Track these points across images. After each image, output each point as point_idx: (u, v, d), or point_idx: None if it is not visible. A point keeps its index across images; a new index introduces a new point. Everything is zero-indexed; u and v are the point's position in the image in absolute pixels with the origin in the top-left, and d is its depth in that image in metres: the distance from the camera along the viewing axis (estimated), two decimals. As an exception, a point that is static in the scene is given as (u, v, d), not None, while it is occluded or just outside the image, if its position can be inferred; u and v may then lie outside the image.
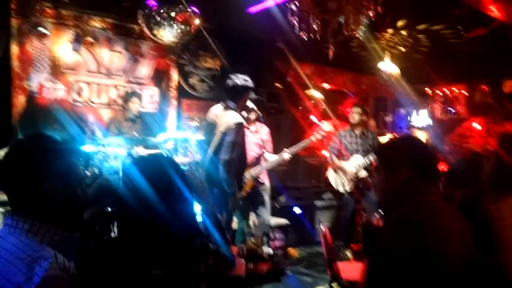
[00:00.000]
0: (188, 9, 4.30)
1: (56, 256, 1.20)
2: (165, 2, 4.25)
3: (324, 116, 9.30)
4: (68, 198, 1.31)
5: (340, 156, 5.48)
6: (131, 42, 5.65)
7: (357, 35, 3.27)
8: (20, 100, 4.91)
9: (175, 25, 4.29)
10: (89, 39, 5.26)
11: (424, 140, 9.11)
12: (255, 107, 4.16)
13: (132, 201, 1.43)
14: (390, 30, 6.10)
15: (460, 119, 8.79)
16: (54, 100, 5.16)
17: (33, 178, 1.26)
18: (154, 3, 4.21)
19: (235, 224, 4.35)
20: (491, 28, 4.96)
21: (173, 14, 4.26)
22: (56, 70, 5.19)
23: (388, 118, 9.88)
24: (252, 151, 4.35)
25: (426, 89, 8.77)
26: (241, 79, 3.61)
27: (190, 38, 5.83)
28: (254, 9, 4.91)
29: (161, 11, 4.20)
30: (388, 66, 6.50)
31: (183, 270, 1.37)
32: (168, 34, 4.34)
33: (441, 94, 8.81)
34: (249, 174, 4.26)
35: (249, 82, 3.65)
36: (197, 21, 4.38)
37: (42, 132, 1.54)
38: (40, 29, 4.88)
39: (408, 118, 9.37)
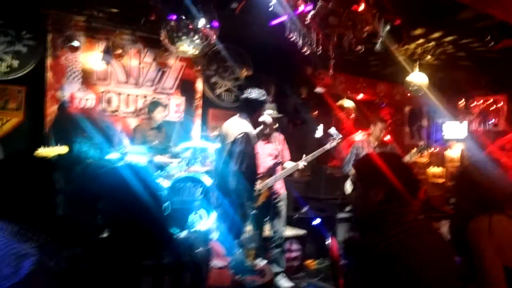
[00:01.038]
0: (208, 24, 4.41)
1: (41, 255, 1.37)
2: (186, 16, 4.38)
3: (357, 126, 9.24)
4: (53, 210, 1.53)
5: None
6: (159, 53, 5.85)
7: (361, 50, 3.23)
8: (52, 109, 5.21)
9: (195, 38, 4.41)
10: (119, 51, 5.51)
11: (460, 152, 8.84)
12: (268, 122, 4.14)
13: (137, 200, 1.53)
14: (420, 41, 5.98)
15: (499, 131, 8.41)
16: (84, 109, 5.44)
17: (29, 193, 1.47)
18: (175, 18, 4.35)
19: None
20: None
21: (193, 28, 4.38)
22: (87, 81, 5.48)
23: (423, 129, 9.63)
24: (265, 162, 4.39)
25: (462, 100, 8.45)
26: (255, 93, 3.69)
27: (215, 50, 6.04)
28: (275, 22, 4.96)
29: (182, 25, 4.33)
30: (417, 77, 6.35)
31: (170, 259, 1.48)
32: (189, 47, 4.47)
33: (479, 105, 8.47)
34: (264, 184, 4.31)
35: (263, 96, 3.70)
36: (216, 34, 4.47)
37: (29, 149, 1.74)
38: (73, 43, 5.16)
39: (444, 129, 9.07)
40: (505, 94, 8.08)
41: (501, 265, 1.87)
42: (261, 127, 4.14)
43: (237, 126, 3.62)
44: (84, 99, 5.46)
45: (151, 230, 1.52)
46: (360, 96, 8.54)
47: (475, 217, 1.99)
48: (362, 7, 2.71)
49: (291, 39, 3.15)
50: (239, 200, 3.54)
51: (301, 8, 2.94)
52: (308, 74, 7.23)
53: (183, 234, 2.54)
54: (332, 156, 6.88)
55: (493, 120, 8.39)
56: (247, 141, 3.50)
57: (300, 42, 3.08)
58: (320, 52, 3.13)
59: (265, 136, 4.39)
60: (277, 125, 4.53)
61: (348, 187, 5.48)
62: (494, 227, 1.92)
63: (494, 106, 8.20)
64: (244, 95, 3.73)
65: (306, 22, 2.93)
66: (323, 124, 7.45)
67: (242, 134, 3.51)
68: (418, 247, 1.60)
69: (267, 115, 4.15)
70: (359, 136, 9.91)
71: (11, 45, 5.02)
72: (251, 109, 3.68)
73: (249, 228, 4.34)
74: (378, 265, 1.57)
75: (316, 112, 7.90)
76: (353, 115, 8.52)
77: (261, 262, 2.59)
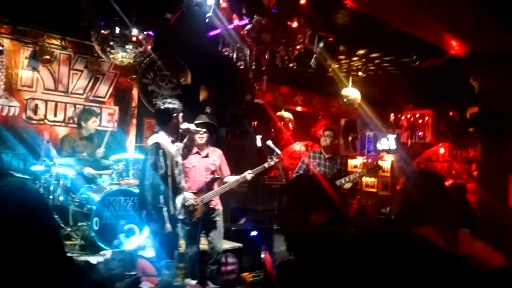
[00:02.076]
0: (142, 32, 4.29)
1: None
2: (120, 23, 4.23)
3: (296, 137, 9.41)
4: None
5: None
6: (91, 60, 5.60)
7: (294, 67, 3.29)
8: (-30, 117, 4.82)
9: (128, 47, 4.28)
10: (47, 56, 5.21)
11: (391, 163, 9.26)
12: (193, 128, 3.93)
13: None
14: (352, 58, 6.22)
15: (426, 144, 8.93)
16: (7, 117, 5.07)
17: None
18: (107, 25, 4.19)
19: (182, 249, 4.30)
20: (446, 58, 5.07)
21: (126, 36, 4.25)
22: (11, 87, 5.12)
23: (357, 141, 10.00)
24: (201, 176, 4.32)
25: (392, 114, 8.90)
26: (167, 103, 3.65)
27: (151, 58, 5.90)
28: (213, 33, 4.93)
29: (114, 33, 4.19)
30: (350, 91, 6.59)
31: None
32: (121, 56, 4.33)
33: (408, 119, 8.95)
34: (200, 199, 4.22)
35: (176, 105, 3.65)
36: (150, 43, 4.37)
37: None
38: (-5, 46, 4.82)
39: (376, 141, 9.48)
40: (431, 109, 8.61)
41: None
42: (187, 136, 3.97)
43: (151, 138, 3.60)
44: (7, 106, 5.09)
45: (47, 257, 1.41)
46: (298, 108, 8.73)
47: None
48: (295, 24, 2.75)
49: (225, 53, 3.13)
50: (157, 215, 3.44)
51: (236, 22, 2.94)
52: (247, 85, 7.26)
53: (108, 253, 2.41)
54: (270, 167, 6.94)
55: (420, 133, 8.89)
56: (157, 152, 3.44)
57: (234, 56, 3.07)
58: (255, 66, 3.13)
59: (193, 145, 4.16)
60: (205, 135, 4.34)
61: None
62: None
63: (421, 120, 8.69)
64: (156, 106, 3.72)
65: (240, 37, 2.93)
66: (262, 135, 7.51)
67: (151, 146, 3.47)
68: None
69: (191, 124, 3.96)
70: (297, 146, 10.15)
71: None
72: (165, 119, 3.64)
73: (181, 245, 4.22)
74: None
75: (256, 122, 7.96)
76: (291, 126, 8.69)
77: (191, 282, 2.52)
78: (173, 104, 3.62)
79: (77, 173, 4.68)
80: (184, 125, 3.75)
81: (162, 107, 3.62)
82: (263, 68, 3.20)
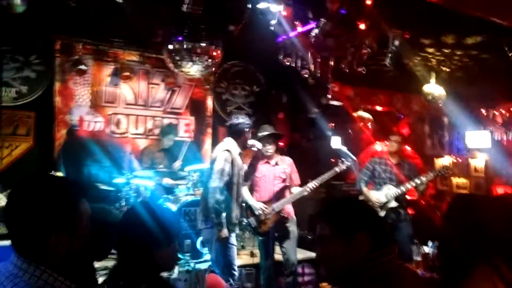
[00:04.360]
0: (211, 45, 4.33)
1: None
2: (188, 38, 4.31)
3: (377, 137, 9.00)
4: (75, 249, 1.25)
5: (372, 184, 5.13)
6: (167, 74, 5.80)
7: (363, 71, 3.07)
8: (61, 133, 5.22)
9: (197, 60, 4.34)
10: (127, 73, 5.49)
11: (485, 163, 8.48)
12: (259, 146, 4.03)
13: None
14: (432, 50, 5.75)
15: (525, 140, 8.05)
16: (93, 132, 5.43)
17: (39, 228, 1.19)
18: (177, 40, 4.29)
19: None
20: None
21: (197, 49, 4.32)
22: (96, 104, 5.47)
23: (445, 139, 9.31)
24: (271, 185, 4.23)
25: (483, 110, 8.14)
26: (240, 118, 3.90)
27: (224, 68, 5.98)
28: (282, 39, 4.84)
29: (184, 47, 4.27)
30: (432, 88, 6.11)
31: None
32: (192, 69, 4.41)
33: (503, 114, 8.13)
34: (271, 208, 4.15)
35: (247, 121, 3.88)
36: (220, 54, 4.40)
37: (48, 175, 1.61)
38: (81, 66, 5.16)
39: (467, 139, 8.73)
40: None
41: None
42: (253, 156, 4.13)
43: (222, 144, 3.78)
44: (93, 122, 5.45)
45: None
46: (379, 107, 8.35)
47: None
48: (362, 26, 2.56)
49: (286, 63, 3.03)
50: (217, 219, 3.49)
51: (299, 29, 2.82)
52: (322, 88, 7.06)
53: (175, 273, 2.42)
54: (350, 171, 6.65)
55: (519, 129, 8.03)
56: (227, 159, 3.59)
57: (299, 65, 2.96)
58: (319, 73, 2.99)
59: (257, 163, 4.26)
60: (271, 146, 4.29)
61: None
62: None
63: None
64: (229, 122, 3.95)
65: (304, 44, 2.80)
66: (339, 137, 7.24)
67: (222, 152, 3.62)
68: None
69: (257, 142, 4.09)
70: (379, 147, 9.69)
71: (20, 71, 5.05)
72: (235, 134, 3.83)
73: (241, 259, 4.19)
74: None
75: (333, 124, 7.72)
76: (370, 126, 8.32)
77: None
78: (244, 120, 3.87)
79: (156, 184, 4.85)
80: (251, 142, 3.92)
81: (235, 122, 3.85)
82: (329, 75, 3.04)
